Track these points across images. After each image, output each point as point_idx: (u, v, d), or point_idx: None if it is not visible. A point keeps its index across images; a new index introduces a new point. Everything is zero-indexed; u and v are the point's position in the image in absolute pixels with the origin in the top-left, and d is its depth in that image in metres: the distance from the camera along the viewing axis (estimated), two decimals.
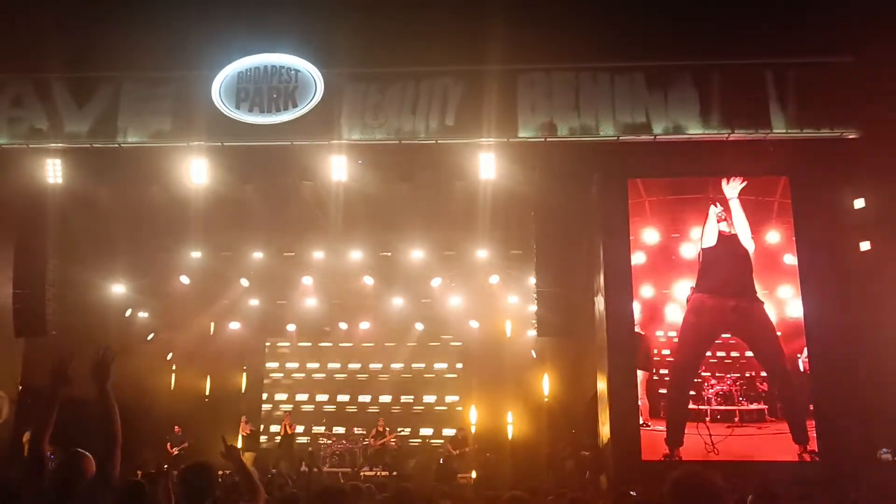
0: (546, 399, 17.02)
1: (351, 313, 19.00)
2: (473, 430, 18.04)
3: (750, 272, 12.97)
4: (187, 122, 12.99)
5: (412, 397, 19.64)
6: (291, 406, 19.60)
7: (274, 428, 19.18)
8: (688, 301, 12.99)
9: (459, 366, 19.66)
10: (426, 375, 19.84)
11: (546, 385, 17.14)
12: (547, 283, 14.07)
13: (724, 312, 12.85)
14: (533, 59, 12.99)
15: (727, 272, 13.01)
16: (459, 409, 19.17)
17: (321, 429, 18.65)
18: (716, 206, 13.22)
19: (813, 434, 12.33)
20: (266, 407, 19.89)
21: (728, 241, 13.14)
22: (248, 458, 16.66)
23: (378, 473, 16.16)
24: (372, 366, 19.93)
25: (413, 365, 19.86)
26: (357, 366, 19.93)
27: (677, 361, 12.91)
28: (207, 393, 18.81)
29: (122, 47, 13.06)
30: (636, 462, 12.35)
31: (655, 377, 12.90)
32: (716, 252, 13.09)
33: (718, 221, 13.18)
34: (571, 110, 12.81)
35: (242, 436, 17.35)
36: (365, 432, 18.07)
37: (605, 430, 13.13)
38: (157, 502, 4.45)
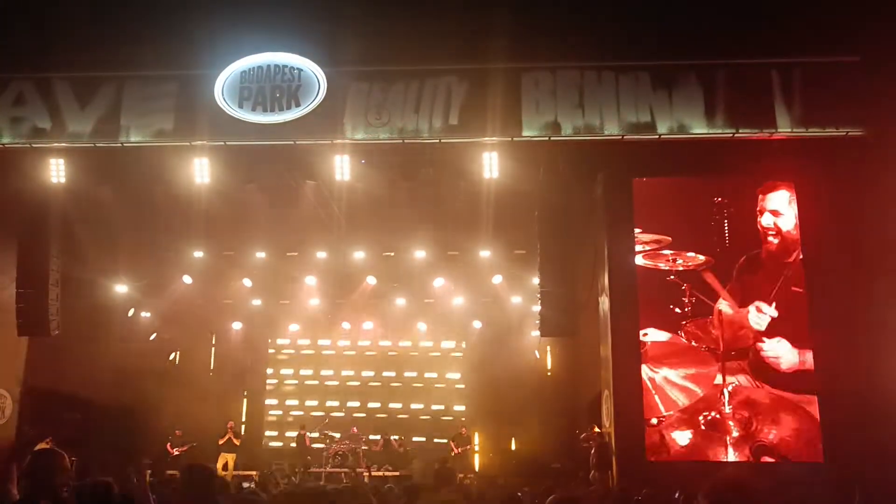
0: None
1: (354, 313, 18.96)
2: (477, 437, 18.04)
3: None
4: (190, 121, 12.95)
5: (421, 405, 19.57)
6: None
7: (270, 432, 19.18)
8: None
9: (457, 376, 19.60)
10: (433, 385, 19.79)
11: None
12: (551, 282, 13.98)
13: None
14: (537, 58, 12.93)
15: None
16: (463, 418, 19.09)
17: (315, 434, 18.43)
18: None
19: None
20: (276, 412, 19.89)
21: None
22: (229, 458, 16.55)
23: (385, 474, 16.09)
24: (385, 373, 19.93)
25: (413, 373, 19.85)
26: (371, 373, 19.91)
27: None
28: (207, 393, 18.71)
29: (124, 46, 13.04)
30: (641, 463, 12.27)
31: None
32: None
33: None
34: (576, 109, 12.75)
35: (230, 434, 16.98)
36: (356, 429, 17.97)
37: (609, 431, 13.06)
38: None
